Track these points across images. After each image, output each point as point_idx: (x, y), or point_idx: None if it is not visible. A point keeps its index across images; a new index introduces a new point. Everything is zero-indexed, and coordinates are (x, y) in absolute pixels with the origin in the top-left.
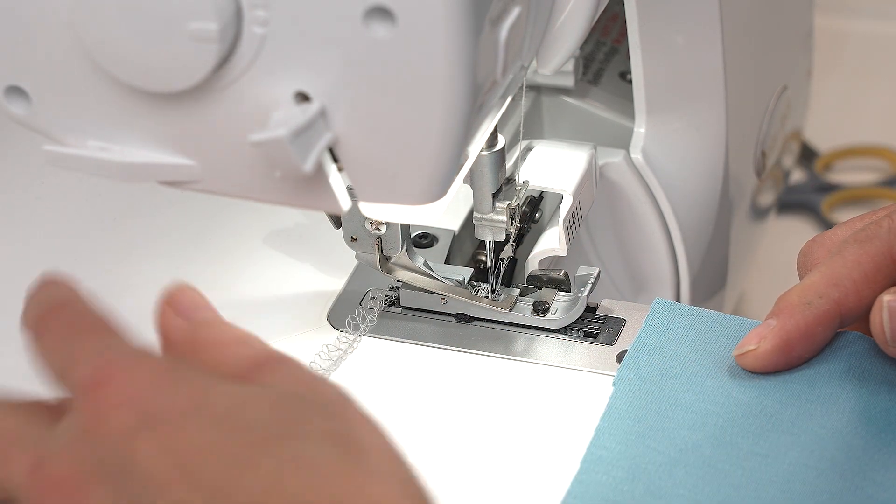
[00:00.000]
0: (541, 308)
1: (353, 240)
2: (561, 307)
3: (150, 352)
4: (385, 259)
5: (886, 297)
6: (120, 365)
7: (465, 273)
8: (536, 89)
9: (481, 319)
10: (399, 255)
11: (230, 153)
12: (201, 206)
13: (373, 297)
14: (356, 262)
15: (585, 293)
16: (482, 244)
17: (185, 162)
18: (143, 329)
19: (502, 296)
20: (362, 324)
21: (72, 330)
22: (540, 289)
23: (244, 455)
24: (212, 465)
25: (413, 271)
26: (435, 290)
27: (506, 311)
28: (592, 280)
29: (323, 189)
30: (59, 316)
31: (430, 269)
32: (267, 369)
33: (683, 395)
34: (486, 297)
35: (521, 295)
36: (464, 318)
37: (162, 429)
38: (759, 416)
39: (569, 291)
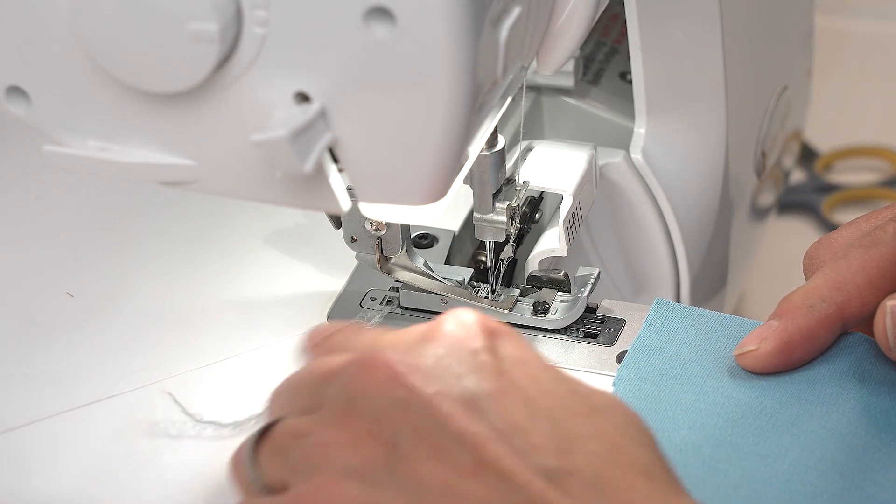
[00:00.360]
0: (541, 308)
1: (353, 240)
2: (561, 307)
3: None
4: (385, 259)
5: (890, 303)
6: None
7: (465, 273)
8: (536, 89)
9: None
10: (399, 255)
11: (230, 153)
12: (201, 206)
13: (372, 298)
14: (356, 262)
15: (585, 293)
16: (482, 244)
17: (185, 162)
18: (144, 328)
19: (502, 296)
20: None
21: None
22: (540, 289)
23: (577, 407)
24: (548, 399)
25: (413, 272)
26: (435, 291)
27: (506, 311)
28: (592, 280)
29: (323, 189)
30: None
31: (430, 270)
32: None
33: (683, 396)
34: (486, 297)
35: (521, 295)
36: None
37: (509, 356)
38: (759, 417)
39: (569, 292)
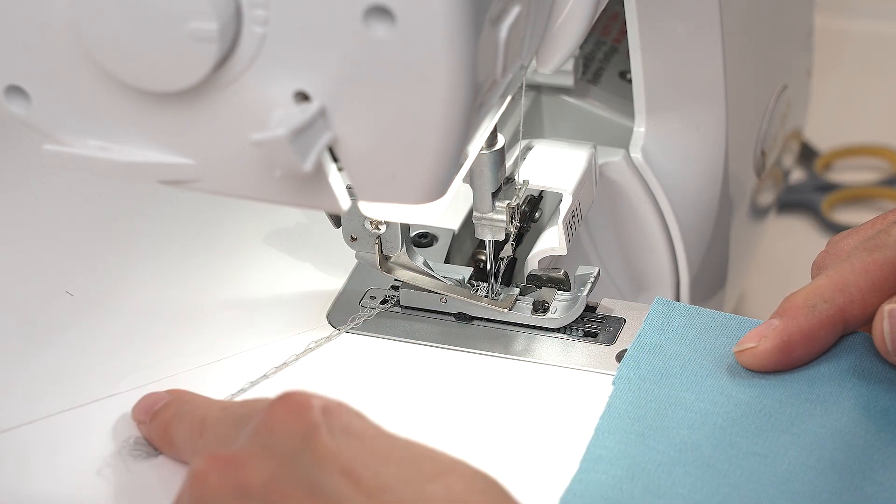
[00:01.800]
0: (540, 307)
1: (353, 239)
2: (561, 306)
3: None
4: (385, 258)
5: (888, 307)
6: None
7: (465, 272)
8: (536, 89)
9: (481, 319)
10: (399, 254)
11: (230, 152)
12: (201, 206)
13: (372, 297)
14: (356, 261)
15: (585, 293)
16: (482, 243)
17: (185, 162)
18: (144, 328)
19: (502, 295)
20: (360, 319)
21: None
22: (540, 288)
23: (415, 473)
24: (387, 470)
25: (413, 270)
26: (435, 290)
27: (505, 310)
28: (592, 279)
29: (323, 188)
30: None
31: (430, 269)
32: None
33: (683, 395)
34: (486, 296)
35: (520, 294)
36: (463, 318)
37: (345, 431)
38: (759, 416)
39: (568, 291)
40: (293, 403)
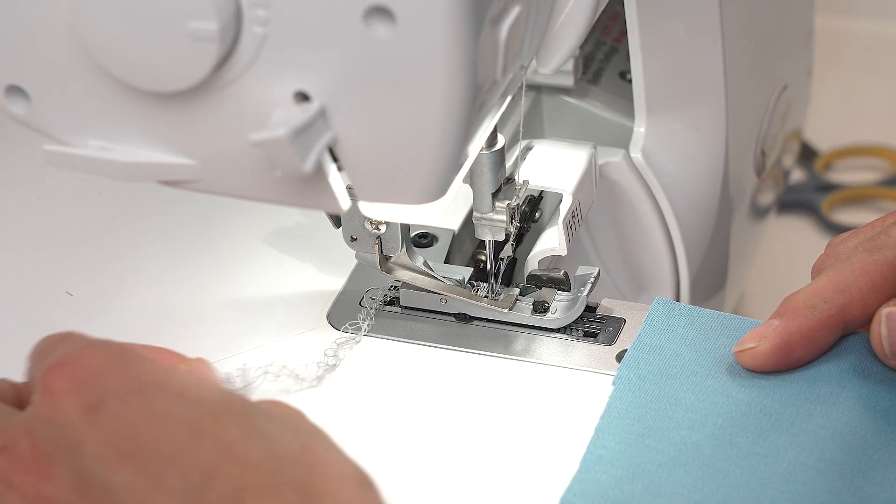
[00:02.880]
0: (540, 307)
1: (353, 239)
2: (561, 307)
3: (108, 341)
4: (385, 259)
5: (885, 311)
6: (75, 353)
7: (465, 273)
8: (536, 89)
9: (481, 319)
10: (399, 254)
11: (230, 153)
12: (201, 206)
13: (371, 298)
14: (356, 261)
15: (585, 293)
16: (482, 244)
17: (185, 162)
18: (144, 328)
19: (502, 295)
20: (363, 323)
21: (60, 337)
22: (540, 288)
23: (196, 425)
24: (160, 438)
25: (413, 271)
26: (435, 290)
27: (505, 310)
28: (592, 280)
29: (323, 189)
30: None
31: (430, 269)
32: None
33: (683, 395)
34: (486, 296)
35: (520, 294)
36: (463, 318)
37: (106, 410)
38: (759, 416)
39: (568, 291)
40: (57, 386)
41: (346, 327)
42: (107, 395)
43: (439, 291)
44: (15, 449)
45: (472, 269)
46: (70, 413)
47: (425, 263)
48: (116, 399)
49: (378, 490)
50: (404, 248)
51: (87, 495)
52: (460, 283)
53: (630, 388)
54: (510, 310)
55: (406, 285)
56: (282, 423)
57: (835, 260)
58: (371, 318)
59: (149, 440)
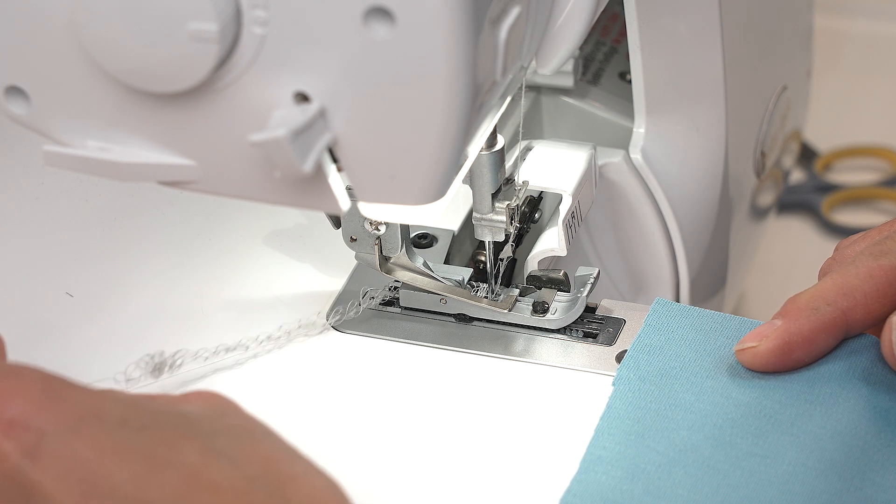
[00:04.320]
0: (540, 308)
1: (353, 240)
2: (560, 307)
3: (20, 367)
4: (384, 259)
5: (895, 318)
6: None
7: (465, 273)
8: (536, 89)
9: (481, 319)
10: (398, 255)
11: (230, 153)
12: (201, 206)
13: (372, 298)
14: (356, 262)
15: (585, 293)
16: (482, 244)
17: (184, 162)
18: (143, 328)
19: (502, 296)
20: (351, 311)
21: None
22: (539, 289)
23: (153, 456)
24: (118, 475)
25: (412, 271)
26: (434, 291)
27: (505, 311)
28: (592, 280)
29: (322, 189)
30: None
31: (430, 270)
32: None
33: (683, 396)
34: (486, 297)
35: (520, 295)
36: (463, 319)
37: (51, 449)
38: (759, 417)
39: (568, 291)
40: None
41: (339, 309)
42: (43, 436)
43: (439, 292)
44: None
45: (471, 269)
46: (10, 460)
47: (425, 264)
48: (56, 438)
49: (347, 495)
50: (404, 249)
51: None
52: (460, 283)
53: (630, 388)
54: (510, 310)
55: (406, 286)
56: (232, 435)
57: (841, 263)
58: (358, 309)
59: (105, 478)
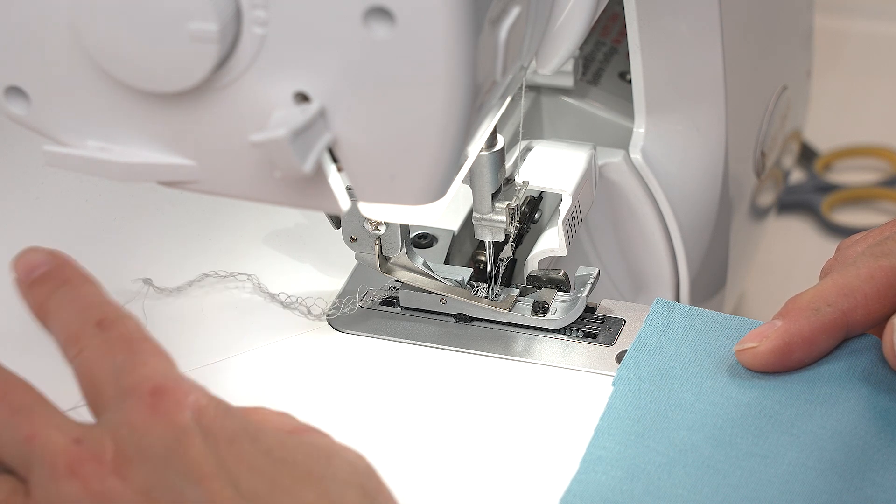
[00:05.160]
0: (540, 308)
1: (353, 240)
2: (560, 307)
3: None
4: (384, 259)
5: None
6: (182, 383)
7: (465, 273)
8: (536, 89)
9: (481, 320)
10: (398, 255)
11: (230, 153)
12: (201, 206)
13: (370, 296)
14: (355, 261)
15: (585, 293)
16: (482, 244)
17: (184, 162)
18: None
19: (502, 296)
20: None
21: (122, 341)
22: (539, 289)
23: (284, 482)
24: (254, 479)
25: (412, 271)
26: (434, 291)
27: (505, 311)
28: (592, 280)
29: (322, 189)
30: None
31: (430, 270)
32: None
33: (683, 396)
34: (486, 297)
35: (520, 295)
36: (463, 319)
37: (215, 436)
38: (759, 417)
39: (568, 291)
40: (166, 402)
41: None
42: (218, 428)
43: (439, 292)
44: (92, 444)
45: (471, 269)
46: (178, 425)
47: (425, 264)
48: (226, 434)
49: None
50: (404, 249)
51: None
52: (460, 283)
53: (630, 388)
54: (510, 310)
55: (406, 286)
56: (355, 488)
57: (842, 263)
58: (354, 306)
59: (243, 476)
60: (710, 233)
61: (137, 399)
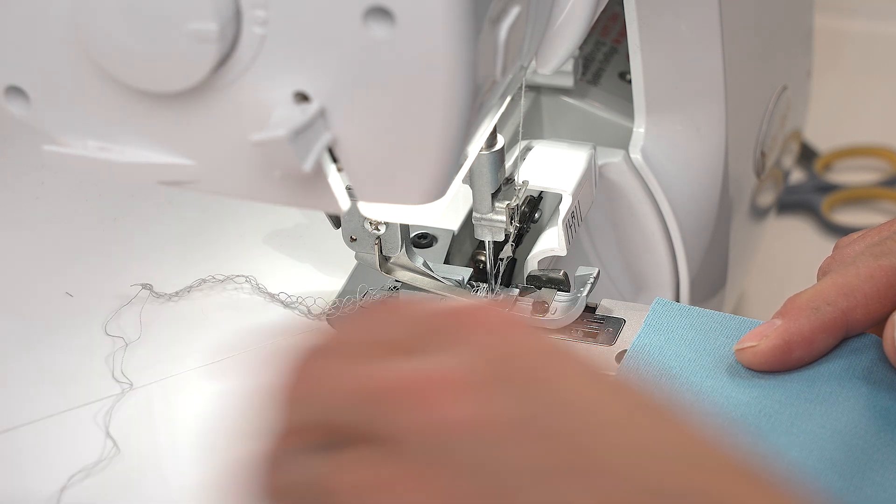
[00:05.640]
0: (540, 308)
1: (353, 240)
2: (560, 307)
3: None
4: (384, 259)
5: None
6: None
7: (465, 273)
8: (536, 89)
9: None
10: (398, 255)
11: (230, 153)
12: (201, 206)
13: (369, 294)
14: (355, 261)
15: (585, 293)
16: (481, 244)
17: (184, 162)
18: (143, 329)
19: (501, 296)
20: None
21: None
22: (539, 289)
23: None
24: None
25: (412, 271)
26: (434, 291)
27: (505, 311)
28: (592, 280)
29: (322, 189)
30: None
31: (430, 269)
32: None
33: (683, 395)
34: (486, 297)
35: (520, 295)
36: None
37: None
38: (758, 417)
39: (568, 291)
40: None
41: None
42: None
43: (439, 292)
44: (444, 370)
45: (471, 269)
46: (531, 348)
47: (425, 264)
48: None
49: None
50: (404, 249)
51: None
52: (460, 283)
53: None
54: (510, 310)
55: (406, 286)
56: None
57: (841, 262)
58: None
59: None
60: (710, 233)
61: (476, 333)
